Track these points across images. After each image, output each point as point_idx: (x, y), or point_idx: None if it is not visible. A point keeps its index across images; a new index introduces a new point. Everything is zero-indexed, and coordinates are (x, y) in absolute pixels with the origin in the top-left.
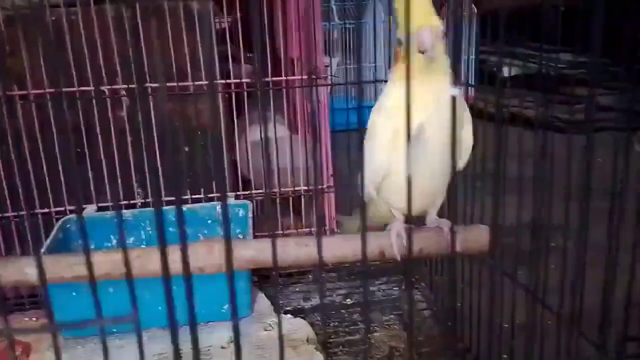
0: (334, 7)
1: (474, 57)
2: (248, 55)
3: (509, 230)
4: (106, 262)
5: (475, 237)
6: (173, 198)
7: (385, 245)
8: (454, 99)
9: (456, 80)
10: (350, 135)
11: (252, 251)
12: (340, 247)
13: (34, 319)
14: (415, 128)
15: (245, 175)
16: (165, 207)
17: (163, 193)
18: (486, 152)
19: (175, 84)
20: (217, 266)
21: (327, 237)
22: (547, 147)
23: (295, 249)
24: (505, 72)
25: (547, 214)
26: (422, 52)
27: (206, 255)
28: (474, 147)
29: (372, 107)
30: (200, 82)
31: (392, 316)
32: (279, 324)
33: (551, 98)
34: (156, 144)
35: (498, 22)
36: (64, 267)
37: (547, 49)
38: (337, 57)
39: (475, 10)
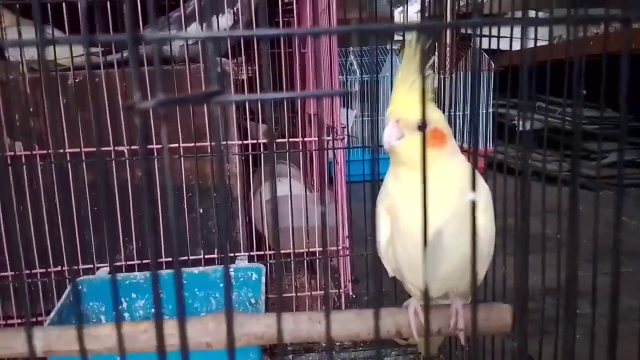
0: (353, 61)
1: (492, 110)
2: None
3: (531, 294)
4: (112, 336)
5: (497, 316)
6: (184, 258)
7: (402, 324)
8: (473, 204)
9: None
10: (367, 186)
11: (263, 327)
12: (354, 324)
13: None
14: (432, 235)
15: (260, 231)
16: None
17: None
18: (507, 207)
19: (193, 144)
20: (223, 343)
21: (340, 313)
22: (577, 206)
23: (308, 325)
24: (526, 126)
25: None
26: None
27: (215, 329)
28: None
29: (388, 158)
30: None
31: None
32: None
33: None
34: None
35: (517, 76)
36: (69, 340)
37: (568, 104)
38: (356, 109)
39: (494, 65)
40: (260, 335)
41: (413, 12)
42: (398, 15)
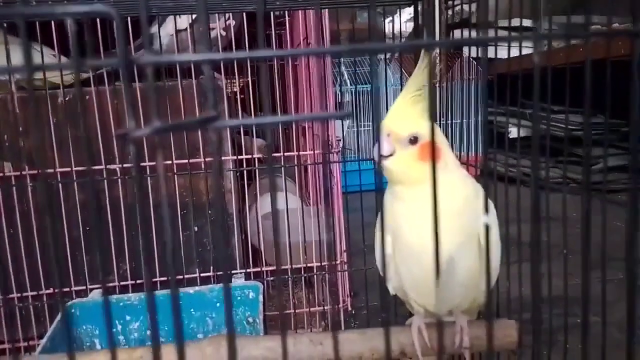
0: (344, 72)
1: (482, 118)
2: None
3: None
4: None
5: (502, 332)
6: (179, 277)
7: (406, 343)
8: (487, 227)
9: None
10: (364, 197)
11: (262, 350)
12: (357, 345)
13: None
14: (445, 263)
15: (256, 246)
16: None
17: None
18: (507, 215)
19: (186, 160)
20: None
21: (342, 333)
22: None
23: (309, 347)
24: (514, 133)
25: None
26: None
27: (213, 354)
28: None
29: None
30: (211, 159)
31: None
32: None
33: (562, 160)
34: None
35: (505, 84)
36: None
37: (555, 110)
38: (348, 120)
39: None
40: (260, 359)
41: (403, 21)
42: (387, 26)
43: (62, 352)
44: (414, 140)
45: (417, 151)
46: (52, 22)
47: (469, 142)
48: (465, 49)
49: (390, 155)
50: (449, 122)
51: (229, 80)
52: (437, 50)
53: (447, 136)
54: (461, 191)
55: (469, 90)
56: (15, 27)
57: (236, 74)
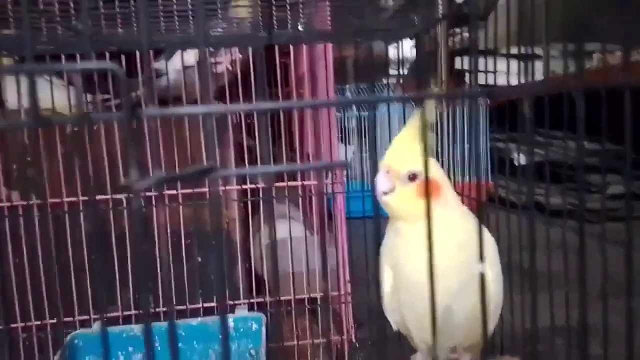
0: (349, 96)
1: (488, 145)
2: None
3: (541, 333)
4: None
5: None
6: (183, 307)
7: None
8: (482, 276)
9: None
10: (367, 223)
11: None
12: None
13: None
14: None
15: (260, 274)
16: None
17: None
18: (511, 243)
19: (191, 190)
20: None
21: None
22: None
23: None
24: (523, 160)
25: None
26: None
27: None
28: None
29: None
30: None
31: None
32: None
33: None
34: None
35: (510, 111)
36: None
37: (563, 137)
38: (353, 145)
39: (489, 102)
40: None
41: (407, 47)
42: (392, 52)
43: None
44: (412, 177)
45: (415, 188)
46: (62, 56)
47: (470, 169)
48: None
49: (390, 191)
50: (451, 149)
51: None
52: (442, 77)
53: (450, 164)
54: (461, 228)
55: (471, 118)
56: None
57: (240, 98)
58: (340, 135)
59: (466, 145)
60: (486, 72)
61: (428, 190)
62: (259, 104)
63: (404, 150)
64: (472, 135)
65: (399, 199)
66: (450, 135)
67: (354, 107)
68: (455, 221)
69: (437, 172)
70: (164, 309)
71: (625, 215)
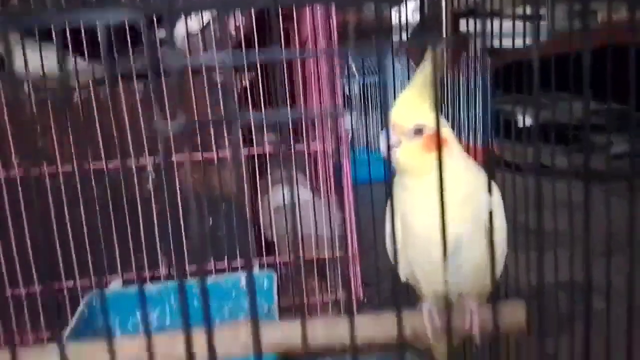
0: (352, 63)
1: (491, 108)
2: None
3: (546, 288)
4: (132, 347)
5: (510, 314)
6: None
7: (417, 327)
8: (490, 214)
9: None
10: (374, 190)
11: (279, 334)
12: (370, 329)
13: None
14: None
15: (269, 238)
16: (188, 281)
17: (187, 263)
18: (517, 204)
19: (200, 155)
20: (243, 351)
21: (356, 317)
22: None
23: (324, 331)
24: (526, 121)
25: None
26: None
27: (232, 340)
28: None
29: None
30: (224, 153)
31: None
32: None
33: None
34: (181, 215)
35: (511, 73)
36: (88, 356)
37: (563, 98)
38: (356, 111)
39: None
40: (277, 344)
41: (410, 10)
42: (394, 15)
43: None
44: (419, 132)
45: (422, 142)
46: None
47: (475, 132)
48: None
49: (396, 146)
50: (456, 113)
51: (237, 75)
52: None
53: (454, 127)
54: (467, 179)
55: (476, 81)
56: (31, 28)
57: (245, 70)
58: (344, 103)
59: (470, 111)
60: (492, 33)
61: (439, 142)
62: (271, 52)
63: (409, 106)
64: (477, 98)
65: (405, 153)
66: (457, 99)
67: (356, 74)
68: (462, 172)
69: (442, 125)
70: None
71: (630, 174)
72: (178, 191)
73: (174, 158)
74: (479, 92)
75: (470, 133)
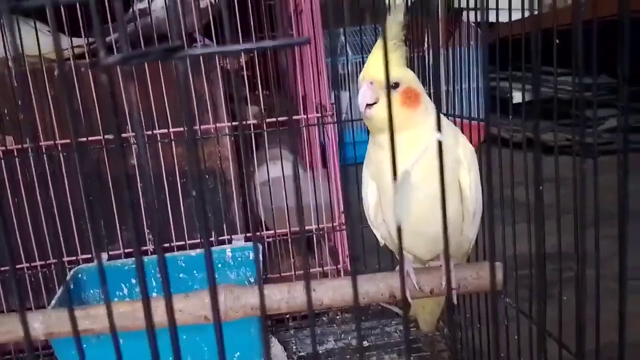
0: (345, 41)
1: (484, 84)
2: (266, 93)
3: (525, 260)
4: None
5: (488, 274)
6: (182, 243)
7: (395, 286)
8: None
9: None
10: (359, 168)
11: (258, 298)
12: (348, 290)
13: None
14: (400, 175)
15: (256, 214)
16: (174, 254)
17: (173, 237)
18: (504, 179)
19: (183, 128)
20: (221, 314)
21: (334, 280)
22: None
23: (303, 294)
24: (518, 98)
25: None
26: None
27: (210, 302)
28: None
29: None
30: (207, 126)
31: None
32: None
33: (564, 122)
34: (166, 190)
35: (507, 48)
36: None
37: (559, 73)
38: (349, 91)
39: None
40: (256, 306)
41: None
42: None
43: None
44: (395, 86)
45: (398, 97)
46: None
47: (470, 108)
48: (465, 13)
49: (375, 103)
50: (452, 88)
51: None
52: (439, 15)
53: (450, 102)
54: (444, 131)
55: (469, 56)
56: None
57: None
58: (334, 82)
59: (464, 85)
60: (487, 8)
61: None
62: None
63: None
64: (471, 74)
65: (383, 108)
66: (450, 74)
67: (350, 52)
68: (434, 128)
69: (414, 80)
70: (165, 245)
71: (619, 148)
72: (162, 165)
73: (156, 131)
74: (473, 66)
75: (464, 108)
